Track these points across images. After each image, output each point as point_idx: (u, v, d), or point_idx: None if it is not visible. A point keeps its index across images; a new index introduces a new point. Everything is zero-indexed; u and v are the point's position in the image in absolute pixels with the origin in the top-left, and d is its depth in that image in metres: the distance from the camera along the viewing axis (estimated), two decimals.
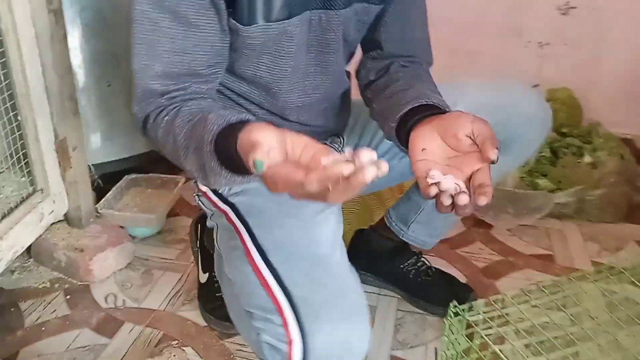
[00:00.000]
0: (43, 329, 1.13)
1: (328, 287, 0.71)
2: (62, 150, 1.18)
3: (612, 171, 1.51)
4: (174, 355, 0.97)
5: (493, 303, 0.75)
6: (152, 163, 1.61)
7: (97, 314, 1.17)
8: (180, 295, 1.23)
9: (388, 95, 0.84)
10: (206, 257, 1.22)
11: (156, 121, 0.73)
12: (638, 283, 0.93)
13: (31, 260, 1.32)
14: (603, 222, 1.51)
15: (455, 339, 0.69)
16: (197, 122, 0.67)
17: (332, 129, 0.99)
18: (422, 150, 0.67)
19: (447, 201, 0.61)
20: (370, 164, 0.48)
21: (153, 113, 0.73)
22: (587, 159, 1.54)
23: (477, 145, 0.64)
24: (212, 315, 1.13)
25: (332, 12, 0.81)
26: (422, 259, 1.23)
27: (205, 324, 1.14)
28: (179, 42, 0.71)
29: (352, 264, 0.78)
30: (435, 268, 1.23)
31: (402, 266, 1.22)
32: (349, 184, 0.48)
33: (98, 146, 1.48)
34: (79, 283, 1.25)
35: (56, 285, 1.25)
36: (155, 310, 1.19)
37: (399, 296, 1.23)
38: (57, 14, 1.12)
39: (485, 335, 0.65)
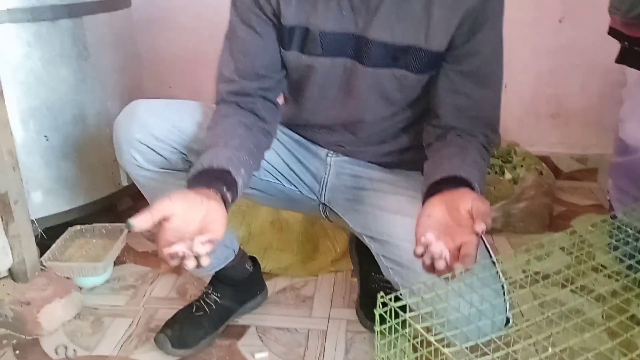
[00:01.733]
0: None
1: None
2: (3, 205, 1.18)
3: (531, 185, 1.65)
4: None
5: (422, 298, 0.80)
6: (96, 213, 1.62)
7: None
8: (132, 339, 1.24)
9: (433, 161, 0.94)
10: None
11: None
12: (565, 284, 1.02)
13: None
14: (528, 232, 1.63)
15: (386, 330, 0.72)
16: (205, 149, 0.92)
17: (339, 148, 1.12)
18: (428, 215, 0.77)
19: (427, 261, 0.72)
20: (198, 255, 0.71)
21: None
22: (508, 176, 1.68)
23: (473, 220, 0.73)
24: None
25: (360, 65, 0.95)
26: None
27: None
28: (247, 45, 0.97)
29: None
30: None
31: (373, 273, 1.31)
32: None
33: (39, 200, 1.48)
34: (28, 337, 1.23)
35: (4, 341, 1.23)
36: (107, 357, 1.19)
37: (347, 318, 1.29)
38: None
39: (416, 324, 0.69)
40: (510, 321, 0.91)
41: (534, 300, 0.94)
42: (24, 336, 1.24)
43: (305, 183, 1.15)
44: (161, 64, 2.09)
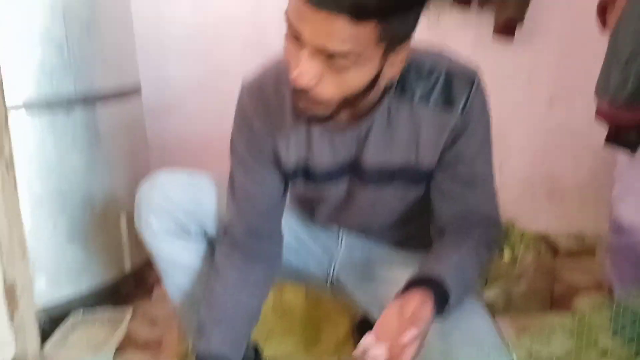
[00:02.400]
0: None
1: None
2: (10, 295, 1.20)
3: (530, 264, 1.67)
4: None
5: None
6: (99, 298, 1.62)
7: None
8: None
9: (425, 257, 0.96)
10: None
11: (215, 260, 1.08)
12: None
13: None
14: (530, 312, 1.63)
15: None
16: (204, 323, 1.04)
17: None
18: (384, 316, 0.80)
19: None
20: None
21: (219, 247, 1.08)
22: (507, 256, 1.70)
23: None
24: None
25: (360, 184, 1.00)
26: None
27: None
28: (248, 191, 1.03)
29: None
30: None
31: None
32: None
33: (43, 288, 1.49)
34: None
35: None
36: None
37: None
38: (9, 163, 1.20)
39: None
40: None
41: None
42: None
43: (315, 260, 1.19)
44: (169, 149, 2.15)
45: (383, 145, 0.95)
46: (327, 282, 1.21)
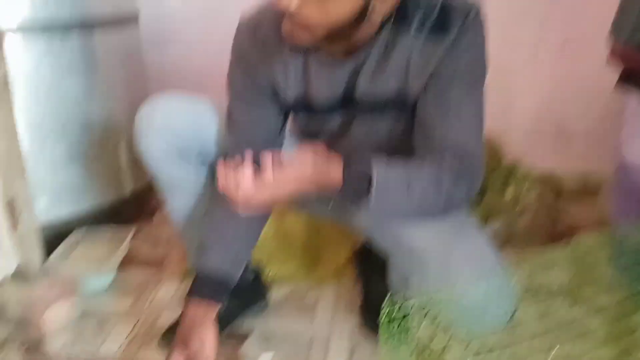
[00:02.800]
0: None
1: None
2: (11, 209, 1.20)
3: (533, 202, 1.67)
4: None
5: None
6: (101, 218, 1.64)
7: None
8: (135, 340, 1.24)
9: None
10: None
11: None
12: (566, 295, 1.03)
13: None
14: (531, 247, 1.64)
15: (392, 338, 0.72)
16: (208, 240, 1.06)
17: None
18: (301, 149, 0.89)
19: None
20: None
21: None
22: (510, 194, 1.70)
23: None
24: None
25: (355, 114, 1.02)
26: None
27: None
28: (245, 122, 1.04)
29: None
30: None
31: (376, 281, 1.31)
32: None
33: (46, 205, 1.50)
34: (33, 337, 1.24)
35: (9, 340, 1.23)
36: (110, 358, 1.19)
37: (350, 325, 1.30)
38: (4, 79, 1.18)
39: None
40: (514, 316, 0.91)
41: (535, 311, 0.95)
42: (29, 336, 1.25)
43: None
44: (167, 79, 2.11)
45: (376, 75, 0.95)
46: (328, 206, 1.21)
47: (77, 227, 1.56)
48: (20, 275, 1.30)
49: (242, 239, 1.09)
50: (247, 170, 0.86)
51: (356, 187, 0.87)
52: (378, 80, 0.95)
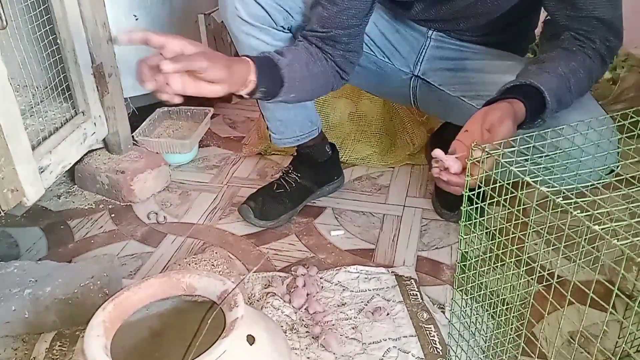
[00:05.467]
0: (92, 241, 1.22)
1: None
2: (99, 75, 1.24)
3: (631, 86, 1.53)
4: (216, 253, 1.05)
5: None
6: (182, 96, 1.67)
7: (141, 228, 1.26)
8: (216, 211, 1.31)
9: (527, 63, 0.91)
10: None
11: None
12: None
13: (75, 186, 1.40)
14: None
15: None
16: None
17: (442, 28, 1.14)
18: (465, 130, 0.75)
19: (435, 173, 0.73)
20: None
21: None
22: (607, 75, 1.57)
23: None
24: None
25: None
26: None
27: (243, 233, 1.22)
28: None
29: None
30: None
31: None
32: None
33: (129, 81, 1.54)
34: (122, 203, 1.34)
35: (100, 206, 1.34)
36: (195, 224, 1.27)
37: (422, 207, 1.30)
38: None
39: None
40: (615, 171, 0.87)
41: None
42: (118, 202, 1.34)
43: (400, 54, 1.16)
44: None
45: None
46: (409, 84, 1.18)
47: (158, 105, 1.61)
48: (108, 144, 1.37)
49: (310, 83, 1.00)
50: (454, 165, 0.73)
51: (534, 115, 0.82)
52: None
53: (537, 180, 0.48)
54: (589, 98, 0.93)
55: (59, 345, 0.91)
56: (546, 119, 0.83)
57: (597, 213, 0.44)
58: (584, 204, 0.45)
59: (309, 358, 0.88)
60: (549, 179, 0.50)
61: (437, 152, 0.73)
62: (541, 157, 0.57)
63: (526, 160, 0.55)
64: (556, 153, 0.56)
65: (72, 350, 0.90)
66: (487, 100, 0.82)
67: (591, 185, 0.54)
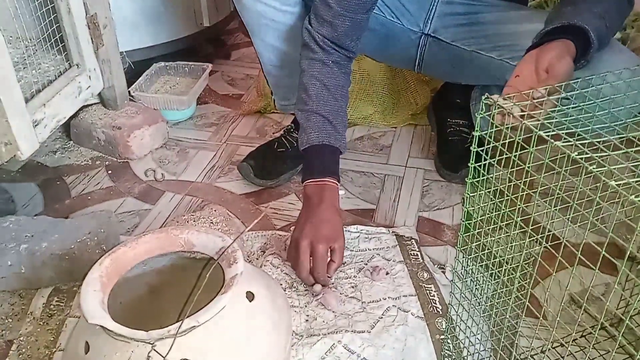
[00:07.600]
0: (89, 198, 1.20)
1: None
2: (93, 26, 1.20)
3: None
4: (215, 211, 1.03)
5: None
6: (178, 51, 1.63)
7: (138, 185, 1.24)
8: (215, 169, 1.29)
9: (557, 8, 0.88)
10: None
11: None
12: None
13: (71, 142, 1.37)
14: None
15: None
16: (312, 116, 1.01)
17: None
18: (516, 76, 0.73)
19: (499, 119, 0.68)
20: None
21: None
22: (617, 35, 1.52)
23: None
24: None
25: None
26: (467, 131, 1.28)
27: (242, 192, 1.21)
28: None
29: None
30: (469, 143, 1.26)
31: (449, 119, 1.30)
32: None
33: (125, 34, 1.49)
34: (119, 160, 1.31)
35: (97, 162, 1.31)
36: (193, 181, 1.25)
37: (424, 168, 1.28)
38: None
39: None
40: None
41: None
42: (115, 159, 1.32)
43: (410, 12, 1.13)
44: None
45: None
46: (418, 43, 1.15)
47: (156, 60, 1.57)
48: (104, 99, 1.33)
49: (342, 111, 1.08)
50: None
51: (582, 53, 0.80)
52: None
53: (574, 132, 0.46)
54: (614, 39, 0.92)
55: (57, 301, 0.91)
56: (589, 60, 0.81)
57: (614, 168, 0.42)
58: (600, 159, 0.43)
59: (308, 316, 0.88)
60: (580, 130, 0.48)
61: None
62: (575, 107, 0.54)
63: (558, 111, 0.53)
64: (595, 102, 0.54)
65: (69, 305, 0.89)
66: (531, 46, 0.80)
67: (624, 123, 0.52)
